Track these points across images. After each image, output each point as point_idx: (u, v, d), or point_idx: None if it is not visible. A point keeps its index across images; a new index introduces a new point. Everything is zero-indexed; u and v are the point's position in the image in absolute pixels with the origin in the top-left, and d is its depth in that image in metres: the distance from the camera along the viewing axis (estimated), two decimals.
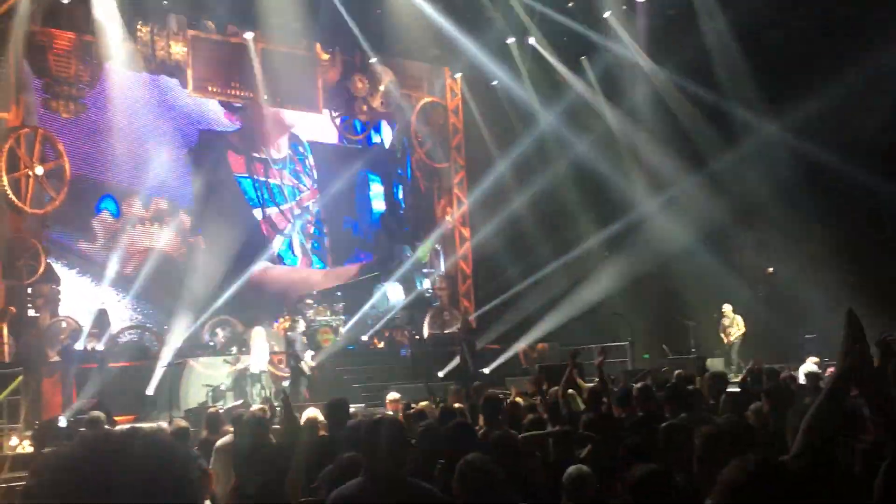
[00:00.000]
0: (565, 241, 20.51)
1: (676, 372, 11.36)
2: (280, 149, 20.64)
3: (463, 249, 22.70)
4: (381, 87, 21.14)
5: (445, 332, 20.77)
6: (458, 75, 22.77)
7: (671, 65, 19.57)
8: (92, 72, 17.13)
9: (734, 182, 18.12)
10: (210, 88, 18.76)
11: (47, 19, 16.60)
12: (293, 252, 20.63)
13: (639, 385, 7.61)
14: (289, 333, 16.43)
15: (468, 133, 22.95)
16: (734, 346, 17.78)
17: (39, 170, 16.32)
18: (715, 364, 15.49)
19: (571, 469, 4.62)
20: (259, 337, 16.13)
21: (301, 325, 16.67)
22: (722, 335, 18.06)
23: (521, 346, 20.03)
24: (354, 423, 6.11)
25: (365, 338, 18.36)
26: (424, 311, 21.46)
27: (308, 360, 16.26)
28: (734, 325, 17.88)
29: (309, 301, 18.39)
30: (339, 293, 19.11)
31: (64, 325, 16.40)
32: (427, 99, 22.69)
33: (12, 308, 15.91)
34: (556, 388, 8.20)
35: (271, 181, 20.37)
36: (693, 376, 9.69)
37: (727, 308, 18.03)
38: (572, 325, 19.30)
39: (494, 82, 21.61)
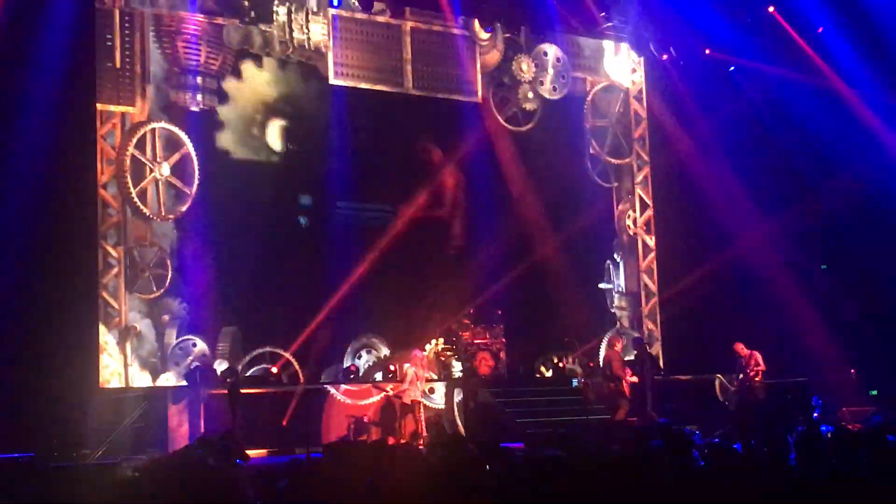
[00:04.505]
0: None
1: None
2: None
3: (647, 262, 22.34)
4: (550, 70, 21.09)
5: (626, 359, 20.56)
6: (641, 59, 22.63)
7: None
8: (223, 60, 17.88)
9: None
10: (353, 75, 19.20)
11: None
12: None
13: None
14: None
15: (653, 122, 22.67)
16: None
17: (165, 168, 17.07)
18: None
19: None
20: (417, 362, 16.69)
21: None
22: None
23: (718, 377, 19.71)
24: None
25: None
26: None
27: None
28: None
29: (466, 321, 18.62)
30: (499, 312, 19.22)
31: (193, 345, 17.13)
32: (603, 82, 22.52)
33: (136, 326, 16.74)
34: None
35: None
36: None
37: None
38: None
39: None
